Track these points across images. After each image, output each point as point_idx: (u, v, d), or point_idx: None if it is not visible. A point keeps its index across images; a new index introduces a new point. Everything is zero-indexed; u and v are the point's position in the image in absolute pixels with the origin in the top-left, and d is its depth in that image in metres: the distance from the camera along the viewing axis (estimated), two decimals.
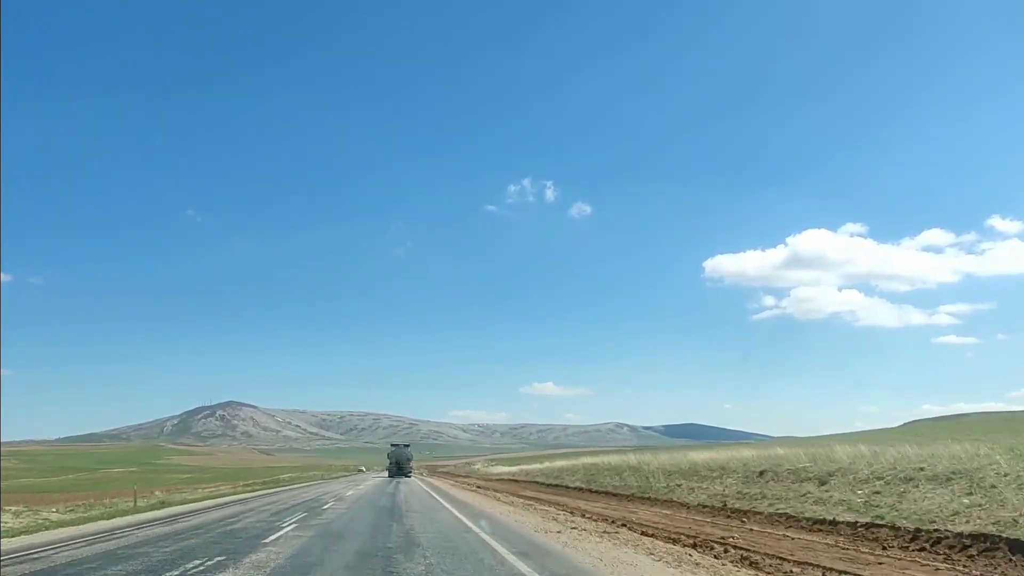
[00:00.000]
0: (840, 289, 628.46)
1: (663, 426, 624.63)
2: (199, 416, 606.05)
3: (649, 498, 25.12)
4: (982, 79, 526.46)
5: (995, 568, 9.87)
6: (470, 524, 16.55)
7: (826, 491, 17.38)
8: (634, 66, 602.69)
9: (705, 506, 20.43)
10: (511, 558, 11.09)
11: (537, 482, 45.90)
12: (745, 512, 17.96)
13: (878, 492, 15.67)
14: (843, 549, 12.03)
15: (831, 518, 14.59)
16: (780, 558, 11.07)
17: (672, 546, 13.04)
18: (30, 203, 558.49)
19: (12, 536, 15.68)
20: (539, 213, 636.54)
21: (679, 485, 25.13)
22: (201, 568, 10.12)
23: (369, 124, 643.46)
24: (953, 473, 14.51)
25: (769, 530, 15.12)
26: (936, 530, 11.82)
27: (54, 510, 23.00)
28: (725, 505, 19.44)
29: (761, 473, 22.25)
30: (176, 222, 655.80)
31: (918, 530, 12.17)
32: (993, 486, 12.91)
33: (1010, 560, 10.00)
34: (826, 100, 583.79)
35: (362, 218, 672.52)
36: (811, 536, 13.79)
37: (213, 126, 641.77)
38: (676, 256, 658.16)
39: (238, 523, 17.07)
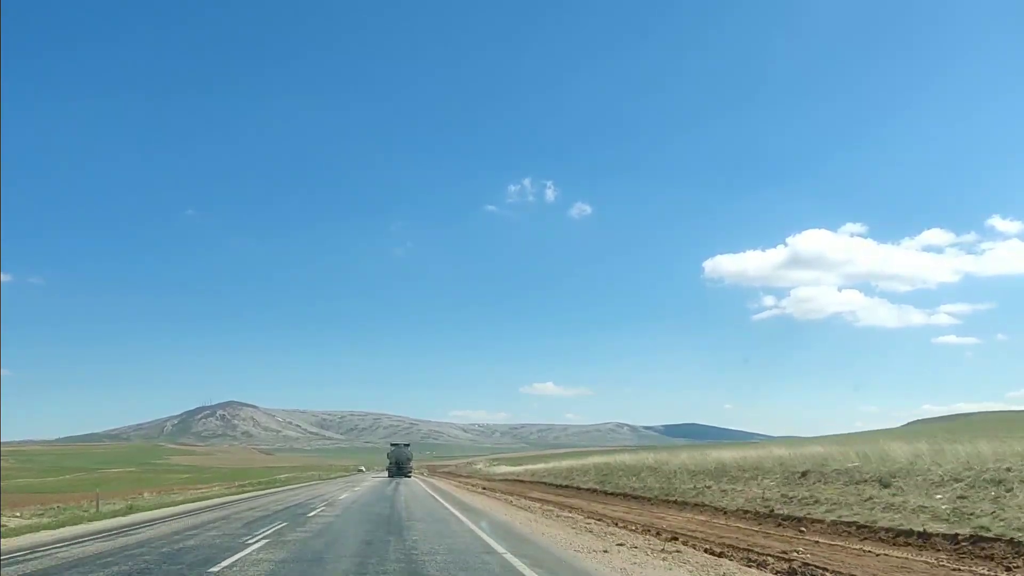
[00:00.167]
0: (840, 289, 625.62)
1: (663, 426, 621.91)
2: (199, 416, 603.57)
3: (675, 501, 22.70)
4: (982, 79, 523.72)
5: None
6: (489, 540, 13.28)
7: (894, 495, 14.97)
8: (634, 66, 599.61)
9: (746, 511, 18.01)
10: None
11: (545, 483, 43.45)
12: (800, 519, 15.55)
13: (963, 497, 13.27)
14: (953, 570, 9.63)
15: (918, 529, 12.18)
16: None
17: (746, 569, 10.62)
18: (30, 203, 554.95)
19: None
20: (539, 213, 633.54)
21: (708, 487, 22.71)
22: None
23: (369, 124, 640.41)
24: None
25: (839, 542, 12.73)
26: None
27: (17, 514, 20.55)
28: (772, 511, 17.02)
29: (804, 474, 19.85)
30: (176, 222, 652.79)
31: None
32: None
33: None
34: (826, 100, 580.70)
35: (362, 218, 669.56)
36: (899, 552, 11.39)
37: (213, 126, 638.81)
38: (676, 256, 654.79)
39: (195, 538, 13.86)
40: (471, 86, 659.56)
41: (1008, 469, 14.01)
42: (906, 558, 10.73)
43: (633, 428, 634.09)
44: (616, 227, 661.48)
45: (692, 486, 23.85)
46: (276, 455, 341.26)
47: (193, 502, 26.87)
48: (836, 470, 18.98)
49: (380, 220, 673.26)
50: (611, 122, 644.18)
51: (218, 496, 33.63)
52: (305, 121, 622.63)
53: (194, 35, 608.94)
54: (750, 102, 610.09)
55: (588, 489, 33.30)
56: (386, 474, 70.88)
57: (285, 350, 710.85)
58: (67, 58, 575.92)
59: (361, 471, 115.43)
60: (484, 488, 39.51)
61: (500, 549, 11.98)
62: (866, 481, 17.15)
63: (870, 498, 15.34)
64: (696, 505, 20.95)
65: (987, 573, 9.32)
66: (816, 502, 16.51)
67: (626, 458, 38.58)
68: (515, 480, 54.69)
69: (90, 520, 17.65)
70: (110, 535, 14.86)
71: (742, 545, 13.02)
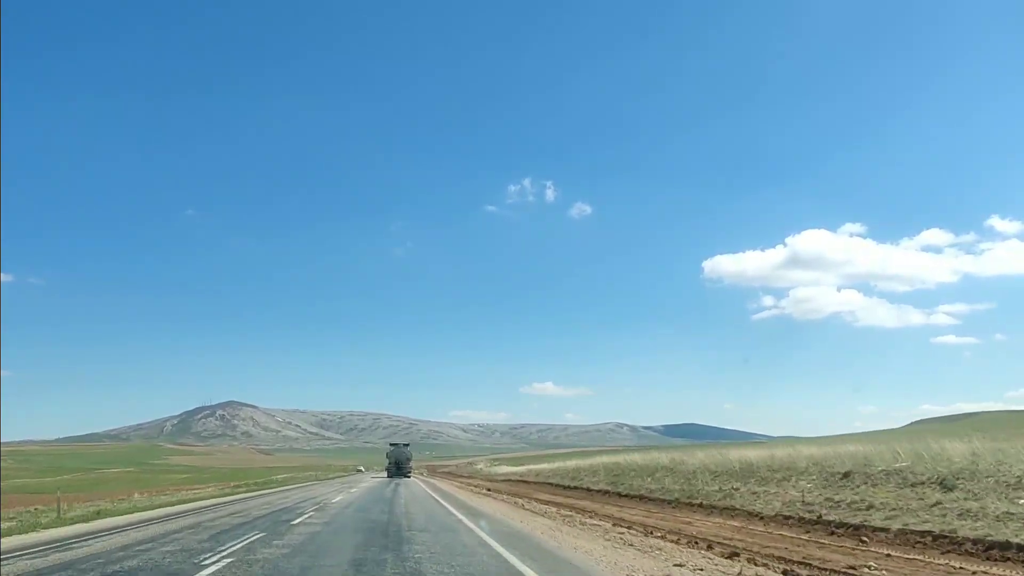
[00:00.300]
0: (839, 289, 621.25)
1: (663, 426, 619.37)
2: (199, 416, 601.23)
3: (700, 504, 20.76)
4: (982, 79, 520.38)
5: None
6: (512, 559, 10.48)
7: (967, 500, 13.07)
8: (634, 66, 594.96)
9: (787, 517, 16.08)
10: None
11: (552, 483, 41.52)
12: (856, 528, 13.61)
13: None
14: None
15: (1015, 540, 10.25)
16: None
17: None
18: (30, 203, 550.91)
19: None
20: (539, 213, 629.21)
21: (735, 489, 20.80)
22: None
23: (369, 124, 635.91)
24: None
25: (916, 556, 10.81)
26: None
27: None
28: (819, 517, 15.07)
29: (846, 475, 17.97)
30: (176, 222, 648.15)
31: None
32: None
33: None
34: (826, 100, 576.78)
35: (362, 218, 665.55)
36: (998, 569, 9.48)
37: (213, 126, 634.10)
38: (676, 256, 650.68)
39: (142, 556, 10.99)
40: (471, 86, 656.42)
41: None
42: None
43: (633, 428, 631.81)
44: (616, 227, 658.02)
45: (717, 488, 21.93)
46: (276, 455, 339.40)
47: (175, 505, 24.68)
48: (883, 471, 17.11)
49: (380, 220, 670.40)
50: (611, 122, 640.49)
51: (207, 498, 31.61)
52: (305, 121, 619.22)
53: (194, 35, 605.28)
54: (750, 102, 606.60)
55: (599, 491, 31.37)
56: (385, 474, 69.38)
57: (285, 350, 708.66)
58: (67, 58, 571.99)
59: (360, 471, 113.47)
60: (488, 489, 37.52)
61: (527, 571, 9.55)
62: (923, 483, 15.28)
63: (937, 503, 13.43)
64: (725, 509, 19.01)
65: None
66: (870, 507, 14.59)
67: (636, 458, 36.66)
68: (519, 481, 52.77)
69: (46, 528, 15.60)
70: (46, 549, 12.20)
71: (796, 557, 11.13)
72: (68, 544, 12.99)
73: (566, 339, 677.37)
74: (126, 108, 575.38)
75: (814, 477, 19.11)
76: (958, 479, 14.53)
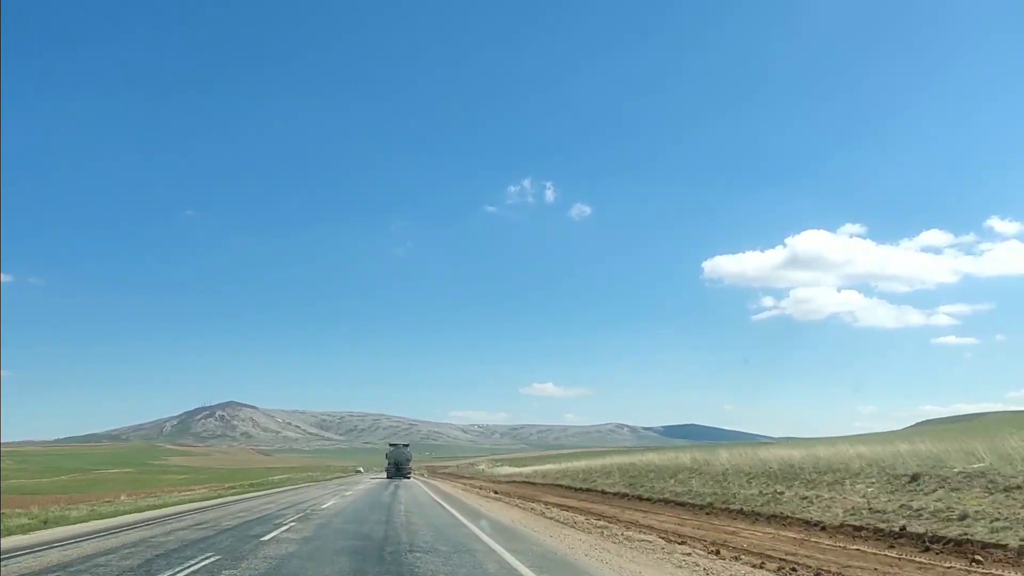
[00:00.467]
0: (839, 290, 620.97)
1: (663, 426, 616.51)
2: (199, 416, 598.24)
3: (739, 511, 18.32)
4: (982, 79, 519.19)
5: None
6: None
7: None
8: (634, 66, 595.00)
9: (856, 527, 13.64)
10: None
11: (561, 485, 39.02)
12: (956, 542, 11.20)
13: None
14: None
15: None
16: None
17: None
18: (30, 203, 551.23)
19: None
20: (539, 213, 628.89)
21: (779, 493, 18.35)
22: None
23: (369, 124, 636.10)
24: None
25: None
26: None
27: None
28: (902, 528, 12.64)
29: (914, 477, 15.56)
30: (176, 222, 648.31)
31: None
32: None
33: None
34: (826, 100, 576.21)
35: (362, 218, 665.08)
36: None
37: (213, 126, 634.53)
38: (675, 257, 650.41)
39: None
40: (471, 86, 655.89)
41: None
42: None
43: (633, 429, 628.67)
44: (615, 227, 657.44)
45: (756, 491, 19.49)
46: (275, 456, 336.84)
47: (150, 510, 22.02)
48: (962, 473, 14.70)
49: (380, 220, 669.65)
50: (611, 122, 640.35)
51: (192, 501, 29.13)
52: (305, 121, 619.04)
53: (194, 35, 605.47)
54: (750, 102, 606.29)
55: (615, 493, 28.91)
56: (384, 475, 67.24)
57: (285, 350, 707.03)
58: (67, 58, 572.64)
59: (359, 472, 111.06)
60: (496, 492, 35.02)
61: None
62: (1019, 488, 12.86)
63: None
64: (773, 517, 16.58)
65: None
66: (964, 517, 12.17)
67: (653, 458, 34.22)
68: (524, 482, 50.26)
69: None
70: None
71: None
72: None
73: (566, 339, 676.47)
74: (126, 108, 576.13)
75: (873, 480, 16.69)
76: None
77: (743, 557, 11.13)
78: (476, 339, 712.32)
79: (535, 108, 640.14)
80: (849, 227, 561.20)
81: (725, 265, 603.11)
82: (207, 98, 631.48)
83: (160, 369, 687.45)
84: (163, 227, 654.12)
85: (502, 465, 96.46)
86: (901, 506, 13.86)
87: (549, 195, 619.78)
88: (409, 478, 62.85)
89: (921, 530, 12.17)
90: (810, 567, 10.13)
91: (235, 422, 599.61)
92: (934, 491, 14.36)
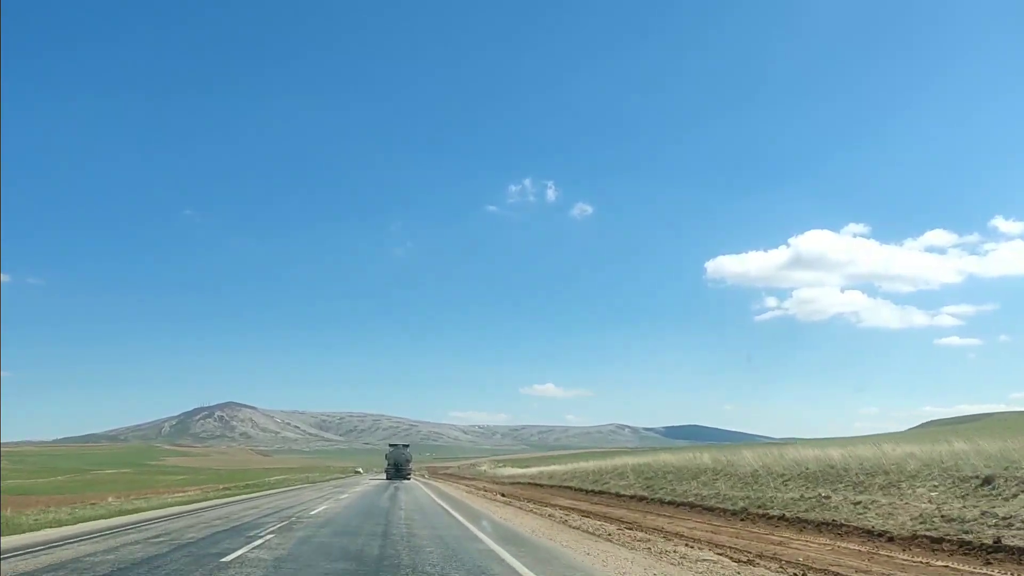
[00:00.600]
0: (843, 290, 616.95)
1: (664, 427, 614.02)
2: (198, 417, 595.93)
3: (781, 517, 16.44)
4: (983, 79, 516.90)
5: None
6: None
7: None
8: (634, 66, 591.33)
9: (934, 539, 11.77)
10: None
11: (570, 487, 37.13)
12: None
13: None
14: None
15: None
16: None
17: None
18: (30, 203, 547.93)
19: None
20: (540, 213, 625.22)
21: (826, 498, 16.46)
22: None
23: (369, 124, 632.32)
24: None
25: None
26: None
27: None
28: (997, 542, 10.76)
29: (987, 480, 13.69)
30: (175, 222, 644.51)
31: None
32: None
33: None
34: (827, 100, 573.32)
35: (362, 218, 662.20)
36: None
37: (213, 126, 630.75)
38: (678, 257, 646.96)
39: None
40: (471, 86, 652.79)
41: None
42: None
43: (634, 430, 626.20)
44: (617, 228, 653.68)
45: (796, 495, 17.60)
46: (274, 456, 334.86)
47: (123, 515, 19.84)
48: None
49: (380, 220, 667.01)
50: (611, 122, 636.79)
51: (176, 505, 27.19)
52: (305, 121, 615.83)
53: (194, 35, 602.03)
54: (750, 102, 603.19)
55: (632, 496, 27.03)
56: (384, 476, 65.53)
57: (285, 350, 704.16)
58: (67, 58, 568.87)
59: (359, 472, 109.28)
60: (503, 495, 33.08)
61: None
62: None
63: None
64: (823, 524, 14.69)
65: None
66: None
67: (669, 458, 32.32)
68: (530, 484, 48.37)
69: None
70: None
71: None
72: None
73: (566, 340, 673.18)
74: (126, 108, 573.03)
75: (935, 483, 14.84)
76: None
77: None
78: (476, 339, 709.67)
79: (535, 108, 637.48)
80: (852, 227, 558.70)
81: (728, 265, 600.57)
82: (207, 98, 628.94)
83: (159, 369, 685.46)
84: (163, 227, 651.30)
85: (505, 466, 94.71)
86: (983, 513, 12.00)
87: (550, 195, 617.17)
88: (409, 479, 61.21)
89: (1021, 543, 10.30)
90: None
91: (234, 422, 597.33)
92: (1016, 496, 12.51)
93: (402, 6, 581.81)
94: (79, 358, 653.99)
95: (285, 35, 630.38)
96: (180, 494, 44.33)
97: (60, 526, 16.40)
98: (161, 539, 13.42)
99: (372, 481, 58.44)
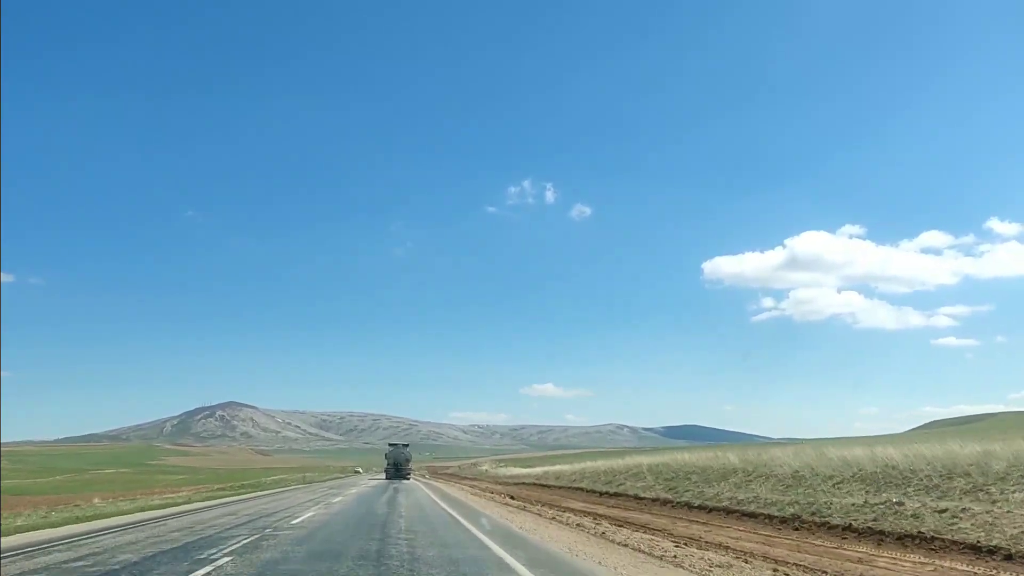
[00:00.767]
0: (839, 291, 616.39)
1: (663, 427, 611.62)
2: (198, 417, 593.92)
3: (848, 527, 13.99)
4: (982, 79, 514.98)
5: None
6: None
7: None
8: (634, 66, 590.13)
9: None
10: None
11: (580, 488, 34.63)
12: None
13: None
14: None
15: None
16: None
17: None
18: (30, 203, 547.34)
19: None
20: (539, 214, 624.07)
21: (898, 504, 14.02)
22: None
23: (369, 124, 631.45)
24: None
25: None
26: None
27: None
28: None
29: None
30: (175, 222, 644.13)
31: None
32: None
33: None
34: (826, 100, 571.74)
35: (362, 218, 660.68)
36: None
37: (213, 126, 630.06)
38: (675, 257, 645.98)
39: None
40: (471, 86, 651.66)
41: None
42: None
43: (633, 430, 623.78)
44: (615, 228, 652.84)
45: (859, 501, 15.13)
46: (275, 456, 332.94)
47: (92, 520, 17.62)
48: None
49: (380, 220, 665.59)
50: (611, 122, 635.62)
51: (160, 507, 24.86)
52: (305, 121, 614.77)
53: (194, 35, 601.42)
54: (750, 102, 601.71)
55: (654, 499, 24.57)
56: (383, 476, 63.42)
57: (285, 350, 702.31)
58: (67, 58, 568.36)
59: (358, 472, 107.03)
60: (512, 497, 30.62)
61: None
62: None
63: None
64: (906, 536, 12.25)
65: None
66: None
67: (688, 457, 29.85)
68: (535, 484, 45.91)
69: None
70: None
71: None
72: None
73: (566, 340, 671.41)
74: (126, 108, 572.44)
75: None
76: None
77: None
78: (476, 339, 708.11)
79: (535, 108, 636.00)
80: (849, 228, 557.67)
81: (725, 266, 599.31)
82: (207, 98, 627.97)
83: (160, 369, 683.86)
84: (163, 227, 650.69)
85: (507, 466, 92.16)
86: None
87: (549, 196, 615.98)
88: (409, 479, 59.18)
89: None
90: None
91: (235, 422, 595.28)
92: None
93: (402, 6, 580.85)
94: (80, 358, 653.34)
95: (285, 35, 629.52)
96: (171, 495, 42.13)
97: (10, 534, 13.80)
98: (81, 562, 10.21)
99: (371, 481, 56.07)
